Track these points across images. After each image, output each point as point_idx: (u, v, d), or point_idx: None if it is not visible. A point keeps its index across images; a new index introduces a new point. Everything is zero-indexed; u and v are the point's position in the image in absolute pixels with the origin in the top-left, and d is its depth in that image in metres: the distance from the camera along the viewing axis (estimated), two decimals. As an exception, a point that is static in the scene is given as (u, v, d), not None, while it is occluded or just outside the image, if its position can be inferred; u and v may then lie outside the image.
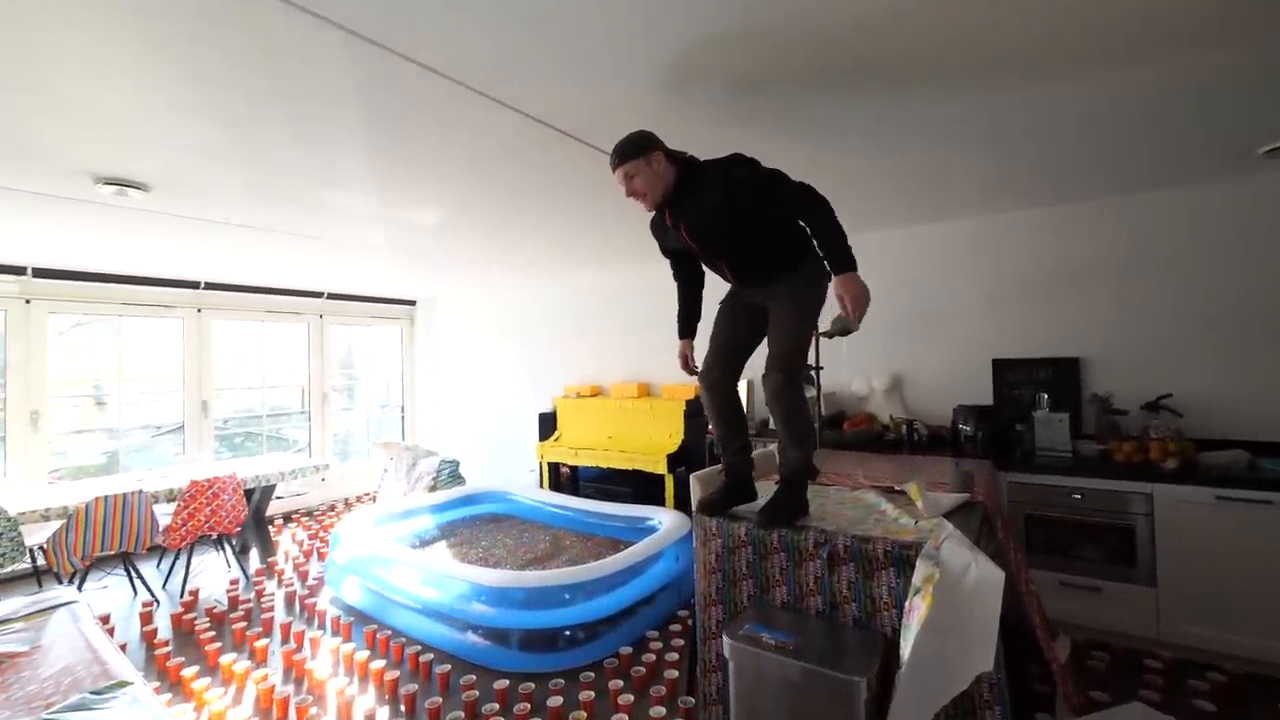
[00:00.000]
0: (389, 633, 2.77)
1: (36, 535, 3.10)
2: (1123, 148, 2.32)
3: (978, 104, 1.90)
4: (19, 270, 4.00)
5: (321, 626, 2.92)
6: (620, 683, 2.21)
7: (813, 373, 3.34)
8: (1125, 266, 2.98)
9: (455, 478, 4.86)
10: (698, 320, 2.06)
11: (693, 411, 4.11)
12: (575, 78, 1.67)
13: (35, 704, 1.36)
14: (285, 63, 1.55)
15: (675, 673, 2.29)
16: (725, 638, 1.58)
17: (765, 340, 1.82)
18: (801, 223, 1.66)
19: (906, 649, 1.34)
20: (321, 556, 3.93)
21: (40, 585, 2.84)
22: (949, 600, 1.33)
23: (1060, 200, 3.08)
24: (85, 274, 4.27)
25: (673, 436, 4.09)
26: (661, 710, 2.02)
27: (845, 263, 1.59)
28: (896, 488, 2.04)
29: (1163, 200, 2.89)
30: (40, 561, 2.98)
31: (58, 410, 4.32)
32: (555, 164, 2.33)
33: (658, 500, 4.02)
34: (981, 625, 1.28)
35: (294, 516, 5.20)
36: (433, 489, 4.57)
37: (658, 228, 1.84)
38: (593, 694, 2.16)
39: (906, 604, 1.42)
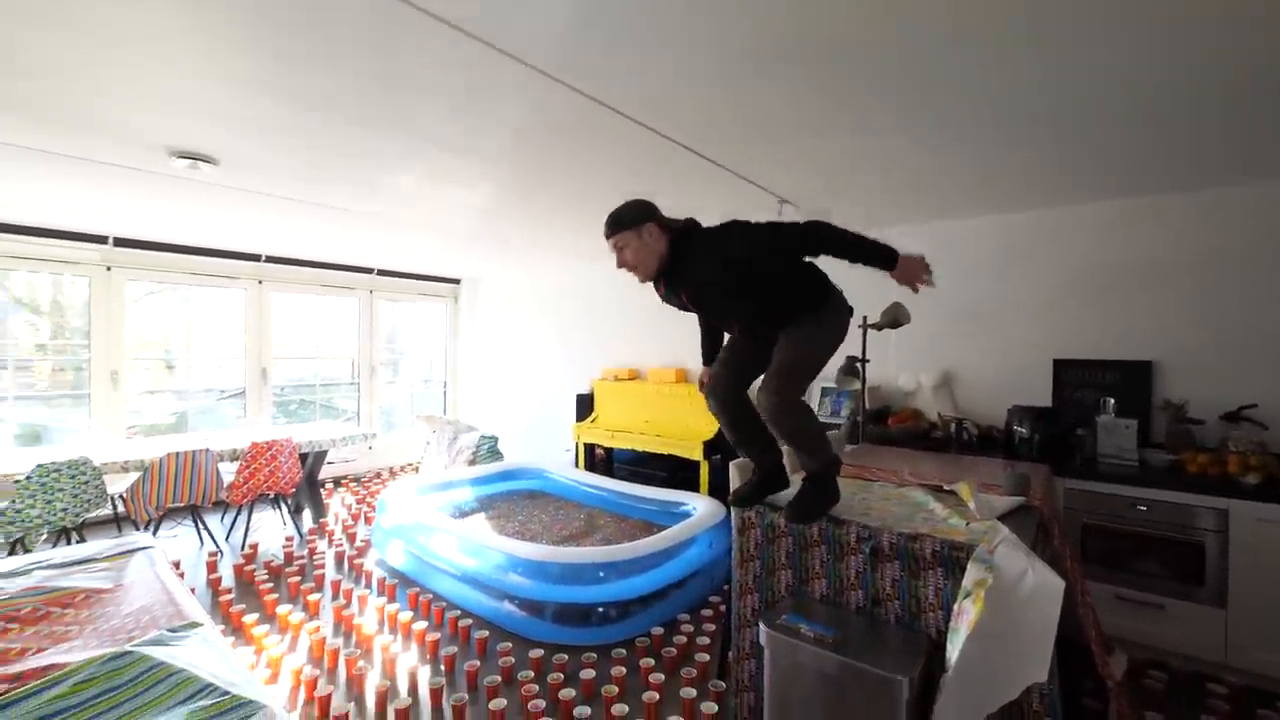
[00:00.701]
0: (430, 596, 2.89)
1: (116, 485, 3.35)
2: (1201, 137, 2.14)
3: (1045, 86, 1.78)
4: (101, 239, 4.27)
5: (368, 586, 3.07)
6: (651, 661, 2.24)
7: (858, 364, 3.25)
8: (1204, 265, 2.77)
9: (494, 453, 4.99)
10: (720, 349, 2.00)
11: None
12: (635, 56, 1.64)
13: (119, 636, 1.48)
14: (352, 44, 1.58)
15: (706, 656, 2.31)
16: (762, 626, 1.58)
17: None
18: (831, 257, 1.59)
19: (954, 653, 1.30)
20: (368, 520, 4.11)
21: (120, 530, 3.07)
22: (1002, 606, 1.28)
23: (1131, 193, 2.87)
24: (159, 244, 4.52)
25: (710, 423, 4.07)
26: (692, 691, 2.03)
27: (887, 256, 1.56)
28: (945, 487, 1.98)
29: (1245, 195, 2.66)
30: (120, 509, 3.22)
31: (133, 372, 4.63)
32: (607, 144, 2.31)
33: (692, 486, 4.02)
34: (1037, 634, 1.23)
35: (343, 481, 5.45)
36: (472, 463, 4.70)
37: (660, 294, 1.78)
38: (624, 670, 2.19)
39: (955, 606, 1.38)
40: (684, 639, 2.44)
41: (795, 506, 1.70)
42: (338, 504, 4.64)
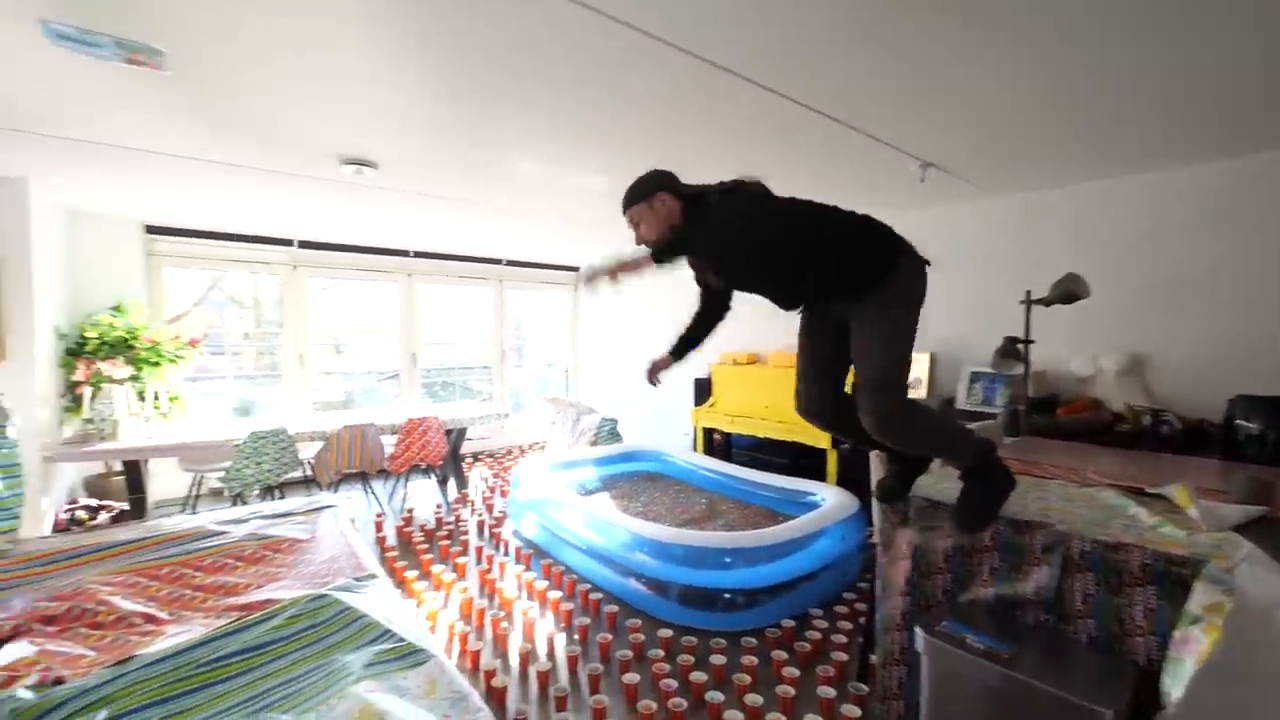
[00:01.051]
0: (562, 568, 3.03)
1: (305, 451, 3.92)
2: None
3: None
4: (287, 242, 4.99)
5: (506, 553, 3.31)
6: (784, 654, 2.17)
7: (1019, 346, 2.85)
8: None
9: (614, 435, 5.13)
10: (695, 348, 1.85)
11: (863, 385, 3.80)
12: (756, 13, 1.53)
13: (316, 580, 1.72)
14: (496, 31, 1.64)
15: (844, 655, 2.18)
16: (919, 632, 1.44)
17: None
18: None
19: (1175, 688, 1.08)
20: (503, 493, 4.43)
21: (309, 490, 3.59)
22: (1248, 639, 1.04)
23: None
24: (331, 245, 5.19)
25: (839, 410, 3.83)
26: (830, 691, 1.93)
27: (656, 247, 1.40)
28: (1149, 489, 1.66)
29: None
30: (308, 472, 3.77)
31: (313, 356, 5.38)
32: (728, 114, 2.22)
33: (816, 475, 3.81)
34: (1307, 679, 0.98)
35: (480, 456, 5.93)
36: (594, 443, 4.87)
37: (690, 265, 1.65)
38: (755, 660, 2.14)
39: (1177, 633, 1.15)
40: (818, 635, 2.33)
41: (964, 512, 1.48)
42: (476, 477, 5.06)
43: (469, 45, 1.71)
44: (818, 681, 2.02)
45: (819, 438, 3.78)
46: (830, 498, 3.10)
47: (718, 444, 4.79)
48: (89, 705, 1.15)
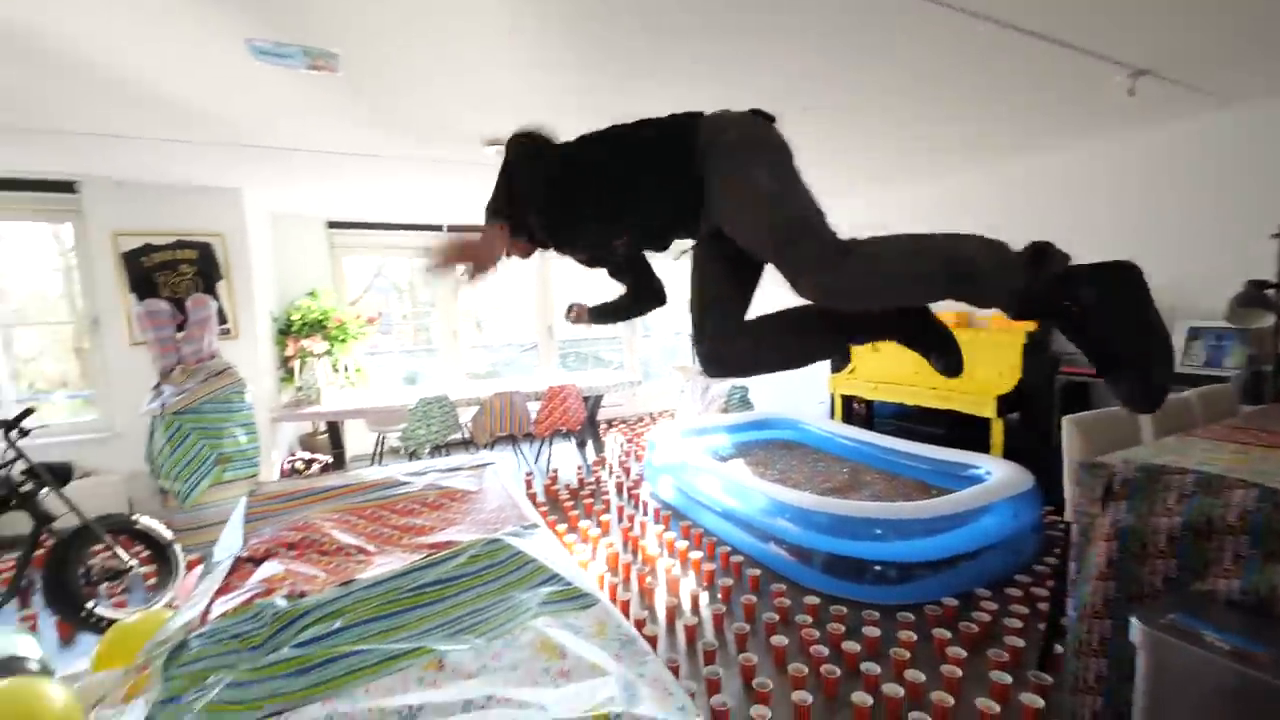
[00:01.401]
0: (700, 530, 3.08)
1: (462, 416, 4.36)
2: None
3: None
4: (437, 227, 5.48)
5: (645, 514, 3.43)
6: (946, 633, 2.00)
7: (1268, 292, 2.29)
8: None
9: (744, 403, 5.05)
10: (613, 321, 1.91)
11: (1034, 347, 3.33)
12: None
13: (487, 526, 1.91)
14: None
15: (1019, 641, 1.96)
16: (1136, 623, 1.24)
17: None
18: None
19: None
20: (638, 457, 4.58)
21: (469, 451, 4.00)
22: None
23: None
24: (474, 227, 5.61)
25: (1005, 375, 3.40)
26: (1006, 678, 1.75)
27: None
28: None
29: None
30: (466, 434, 4.20)
31: (462, 331, 5.93)
32: (885, 43, 1.98)
33: (976, 446, 3.44)
34: None
35: (613, 423, 6.19)
36: (724, 411, 4.84)
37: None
38: (914, 636, 2.01)
39: None
40: (986, 617, 2.12)
41: (1127, 375, 0.92)
42: (612, 442, 5.29)
43: (614, 22, 1.70)
44: (988, 665, 1.84)
45: (979, 405, 3.39)
46: (996, 471, 2.79)
47: (858, 413, 4.52)
48: (327, 615, 1.39)
